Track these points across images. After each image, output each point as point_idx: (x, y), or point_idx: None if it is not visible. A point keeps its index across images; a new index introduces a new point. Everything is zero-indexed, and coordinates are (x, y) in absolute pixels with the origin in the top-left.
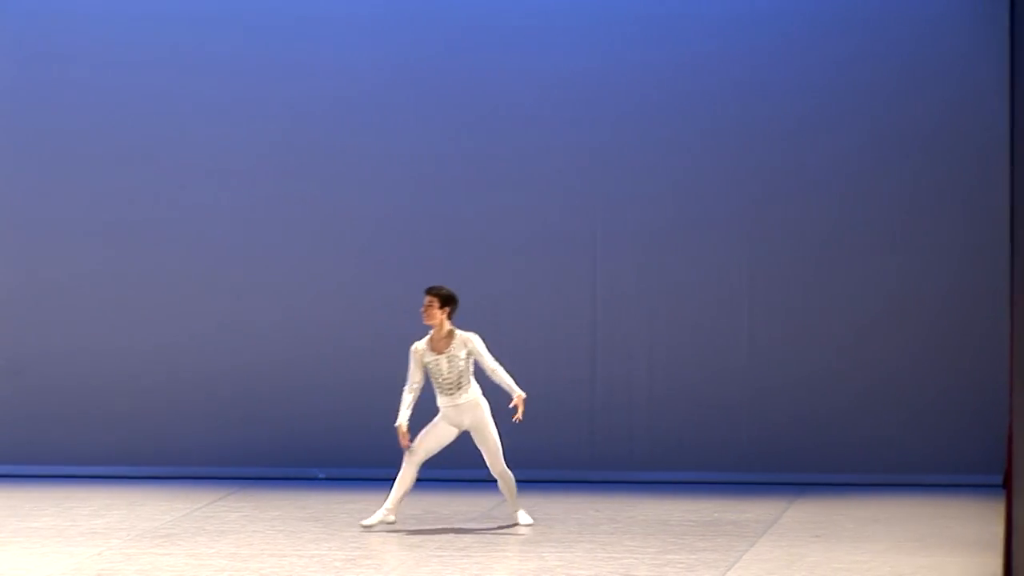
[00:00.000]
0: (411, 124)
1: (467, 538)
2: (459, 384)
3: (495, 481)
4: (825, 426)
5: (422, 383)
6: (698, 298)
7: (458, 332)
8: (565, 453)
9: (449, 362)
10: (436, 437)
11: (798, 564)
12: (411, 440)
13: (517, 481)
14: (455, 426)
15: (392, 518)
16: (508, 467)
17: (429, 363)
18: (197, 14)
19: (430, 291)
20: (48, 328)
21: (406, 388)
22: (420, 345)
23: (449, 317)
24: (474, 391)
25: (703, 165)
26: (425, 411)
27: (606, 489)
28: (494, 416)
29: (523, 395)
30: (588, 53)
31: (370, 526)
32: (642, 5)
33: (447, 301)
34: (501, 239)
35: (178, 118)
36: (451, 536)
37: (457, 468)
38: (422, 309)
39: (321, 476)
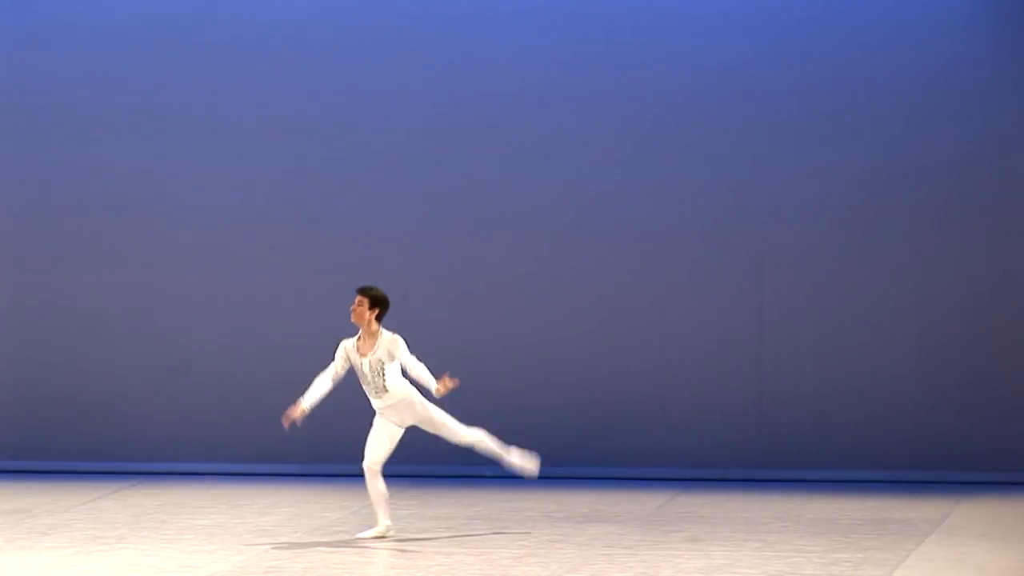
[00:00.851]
0: (580, 129)
1: (634, 536)
2: (385, 386)
3: (662, 479)
4: (994, 425)
5: (341, 377)
6: (867, 298)
7: (383, 334)
8: (732, 452)
9: (371, 365)
10: (385, 440)
11: (965, 563)
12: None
13: (683, 480)
14: (398, 424)
15: (392, 532)
16: (470, 426)
17: (354, 363)
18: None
19: (361, 291)
20: (211, 328)
21: (323, 374)
22: (348, 343)
23: (378, 319)
24: (401, 388)
25: (875, 169)
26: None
27: (773, 487)
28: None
29: (445, 381)
30: (752, 68)
31: (368, 538)
32: (815, 21)
33: (376, 302)
34: (668, 240)
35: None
36: (618, 534)
37: (623, 466)
38: (351, 307)
39: (489, 475)
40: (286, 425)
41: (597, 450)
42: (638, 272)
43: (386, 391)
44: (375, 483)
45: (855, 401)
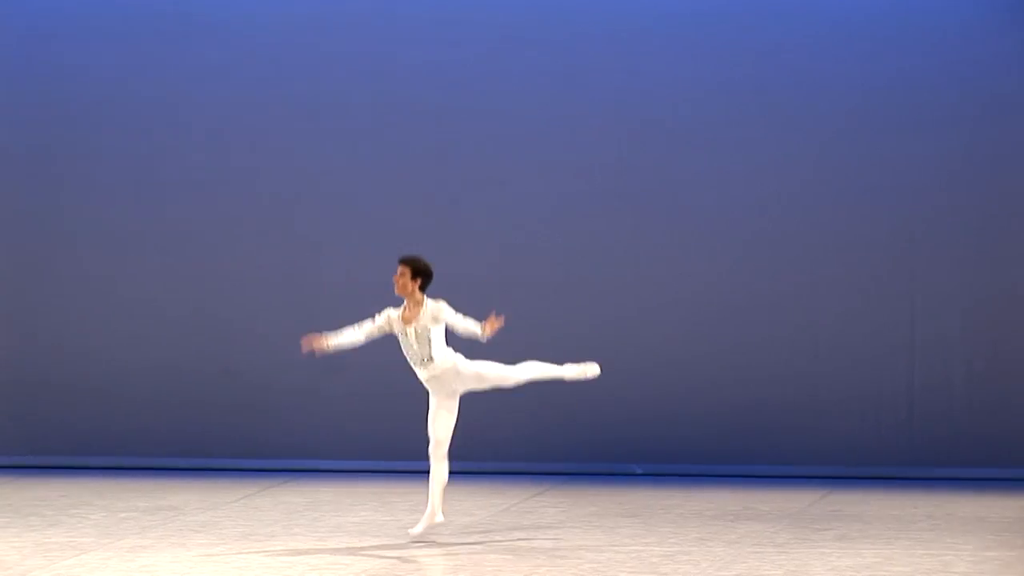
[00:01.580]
0: (722, 128)
1: (784, 534)
2: (429, 355)
3: (813, 477)
4: None
5: (371, 337)
6: (1020, 294)
7: (428, 302)
8: (883, 449)
9: (418, 334)
10: (449, 420)
11: None
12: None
13: (834, 478)
14: (448, 396)
15: (440, 518)
16: (517, 364)
17: (398, 333)
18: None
19: (403, 260)
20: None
21: (358, 326)
22: (394, 312)
23: (422, 289)
24: (446, 356)
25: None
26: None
27: (924, 485)
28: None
29: (491, 321)
30: (888, 61)
31: (419, 534)
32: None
33: (419, 271)
34: (815, 239)
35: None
36: (768, 532)
37: (774, 464)
38: (394, 278)
39: (639, 472)
40: (304, 348)
41: (748, 448)
42: (789, 271)
43: (431, 360)
44: (440, 467)
45: (1008, 398)
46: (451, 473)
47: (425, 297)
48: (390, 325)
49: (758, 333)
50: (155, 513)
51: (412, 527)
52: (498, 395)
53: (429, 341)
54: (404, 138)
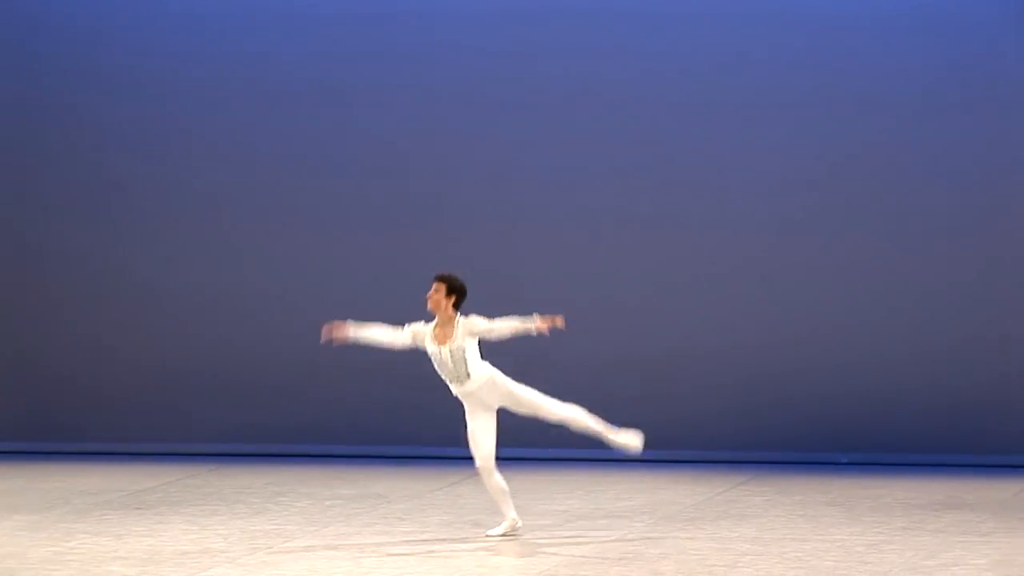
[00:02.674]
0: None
1: (990, 523)
2: (467, 372)
3: (1019, 467)
4: None
5: (396, 346)
6: None
7: (459, 319)
8: None
9: (452, 353)
10: (486, 434)
11: None
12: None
13: (1004, 467)
14: (487, 410)
15: (519, 523)
16: (564, 402)
17: (431, 353)
18: None
19: (439, 277)
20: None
21: (389, 329)
22: (421, 329)
23: (455, 307)
24: (482, 371)
25: None
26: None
27: None
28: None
29: (546, 318)
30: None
31: (500, 535)
32: None
33: (454, 289)
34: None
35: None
36: (974, 521)
37: (981, 454)
38: (427, 295)
39: (843, 461)
40: (324, 336)
41: (955, 437)
42: (979, 262)
43: (468, 377)
44: (491, 481)
45: None
46: (660, 462)
47: (458, 314)
48: (418, 341)
49: (957, 325)
50: (361, 501)
51: (492, 528)
52: (704, 382)
53: (465, 359)
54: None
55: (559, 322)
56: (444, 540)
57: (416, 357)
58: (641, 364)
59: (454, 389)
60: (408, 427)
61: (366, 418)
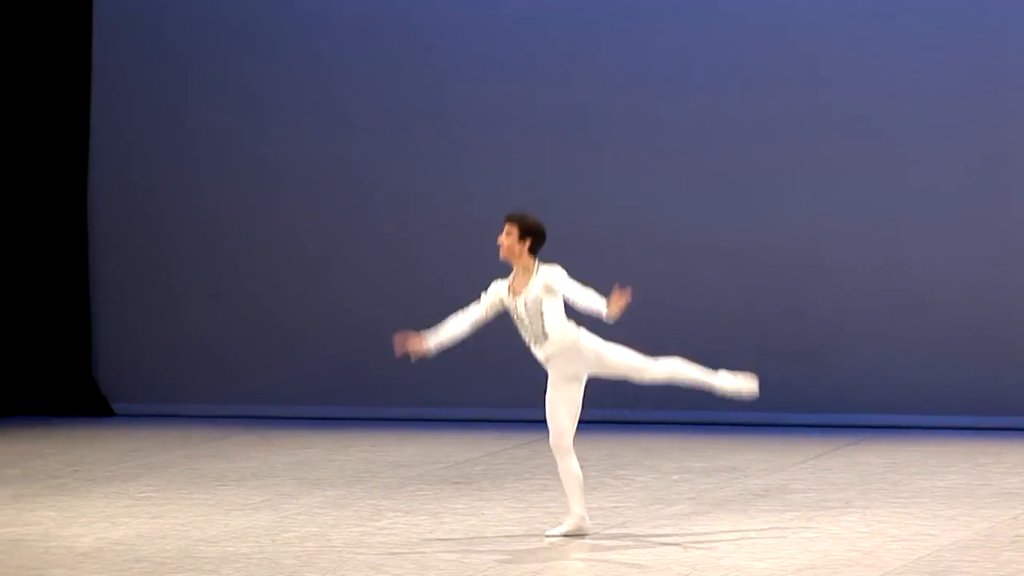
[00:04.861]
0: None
1: None
2: (544, 331)
3: None
4: None
5: (484, 320)
6: None
7: (541, 268)
8: None
9: (528, 306)
10: (568, 407)
11: None
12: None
13: None
14: (573, 379)
15: (587, 522)
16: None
17: (509, 307)
18: None
19: (509, 218)
20: (947, 258)
21: (463, 314)
22: (501, 284)
23: (532, 252)
24: (563, 332)
25: None
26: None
27: None
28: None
29: (616, 298)
30: None
31: (560, 535)
32: None
33: (529, 231)
34: None
35: None
36: None
37: None
38: (499, 238)
39: None
40: (398, 351)
41: None
42: None
43: (546, 337)
44: (566, 463)
45: None
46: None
47: (537, 262)
48: (500, 301)
49: None
50: (712, 475)
51: (556, 531)
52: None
53: (542, 315)
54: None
55: (624, 298)
56: (808, 520)
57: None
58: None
59: (536, 353)
60: (771, 391)
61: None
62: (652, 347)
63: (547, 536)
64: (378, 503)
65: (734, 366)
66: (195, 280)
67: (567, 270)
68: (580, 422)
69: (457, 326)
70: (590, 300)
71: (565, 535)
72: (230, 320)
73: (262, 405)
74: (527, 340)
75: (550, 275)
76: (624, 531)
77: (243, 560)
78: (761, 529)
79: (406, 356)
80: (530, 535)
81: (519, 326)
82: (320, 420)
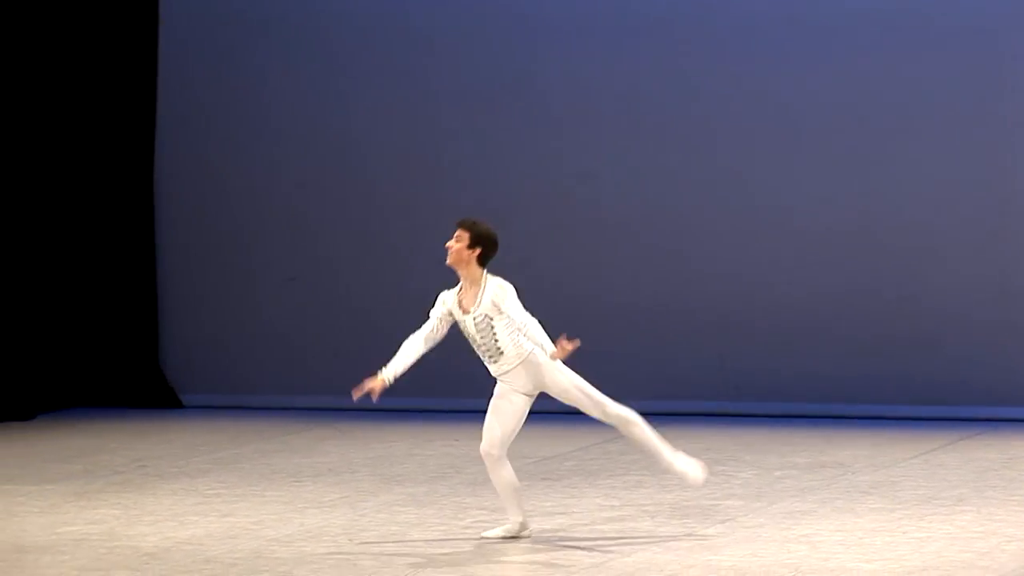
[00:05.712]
0: None
1: None
2: (498, 348)
3: None
4: None
5: (439, 337)
6: None
7: (488, 280)
8: None
9: (477, 323)
10: (511, 417)
11: None
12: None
13: None
14: (525, 394)
15: (528, 529)
16: (619, 402)
17: (459, 321)
18: None
19: (461, 223)
20: None
21: (415, 335)
22: (449, 295)
23: (480, 262)
24: (518, 349)
25: None
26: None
27: None
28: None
29: (563, 344)
30: None
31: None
32: None
33: (480, 239)
34: None
35: None
36: None
37: None
38: (446, 244)
39: None
40: (356, 396)
41: None
42: None
43: (500, 353)
44: (497, 472)
45: None
46: None
47: (485, 274)
48: (450, 314)
49: None
50: (816, 471)
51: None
52: None
53: (493, 332)
54: None
55: (570, 346)
56: (919, 519)
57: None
58: None
59: (490, 369)
60: (880, 381)
61: (823, 371)
62: (760, 328)
63: (482, 536)
64: (462, 500)
65: (842, 355)
66: (267, 265)
67: (690, 250)
68: (678, 414)
69: (412, 349)
70: (535, 334)
71: (502, 538)
72: (305, 306)
73: (339, 397)
74: (480, 356)
75: (498, 294)
76: (723, 530)
77: (319, 561)
78: (869, 528)
79: (367, 397)
80: (622, 535)
81: (470, 341)
82: (401, 413)
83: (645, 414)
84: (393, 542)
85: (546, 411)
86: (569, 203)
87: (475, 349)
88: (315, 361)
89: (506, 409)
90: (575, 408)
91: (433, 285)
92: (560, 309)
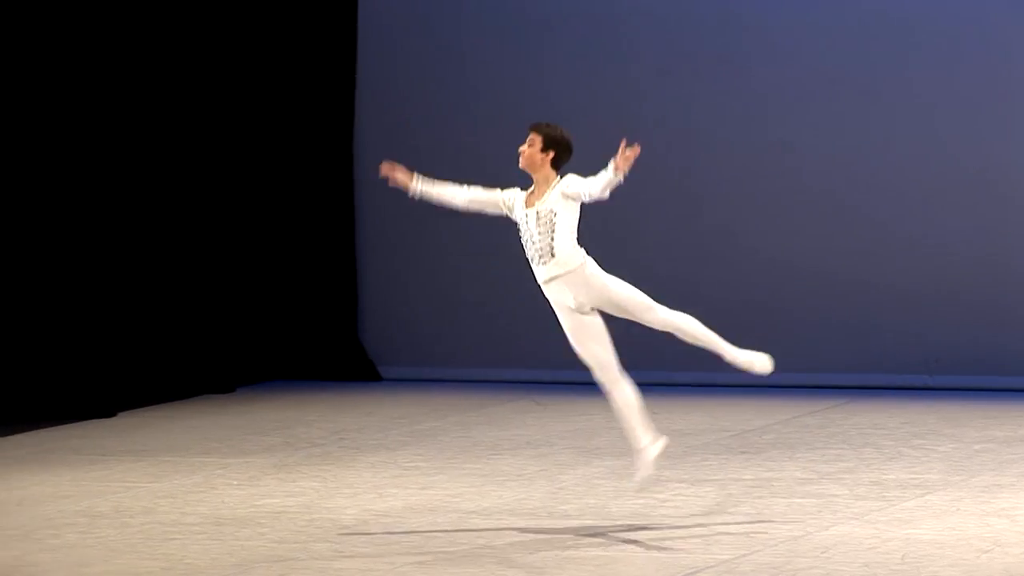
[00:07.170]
0: None
1: None
2: (552, 248)
3: None
4: None
5: (480, 206)
6: None
7: (557, 180)
8: None
9: (540, 217)
10: (589, 335)
11: None
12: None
13: None
14: (578, 310)
15: (660, 444)
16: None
17: (518, 220)
18: None
19: (535, 127)
20: None
21: (468, 187)
22: (519, 192)
23: (554, 165)
24: (571, 252)
25: None
26: None
27: None
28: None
29: (623, 155)
30: None
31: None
32: None
33: (554, 142)
34: None
35: None
36: None
37: None
38: (519, 148)
39: None
40: (383, 172)
41: None
42: None
43: (552, 255)
44: (621, 391)
45: None
46: None
47: (558, 177)
48: (509, 206)
49: None
50: (1016, 445)
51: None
52: None
53: (553, 229)
54: None
55: (630, 153)
56: None
57: None
58: None
59: (538, 273)
60: None
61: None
62: (960, 301)
63: (630, 487)
64: (660, 473)
65: None
66: (465, 238)
67: (894, 222)
68: (875, 388)
69: (455, 193)
70: (602, 177)
71: (642, 476)
72: (505, 277)
73: (539, 369)
74: (531, 259)
75: (567, 182)
76: (923, 504)
77: (517, 535)
78: None
79: (387, 180)
80: (820, 508)
81: (526, 244)
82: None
83: (840, 388)
84: (592, 515)
85: (742, 384)
86: (769, 173)
87: (527, 253)
88: (513, 333)
89: (590, 326)
90: (633, 320)
91: (630, 256)
92: (760, 277)
